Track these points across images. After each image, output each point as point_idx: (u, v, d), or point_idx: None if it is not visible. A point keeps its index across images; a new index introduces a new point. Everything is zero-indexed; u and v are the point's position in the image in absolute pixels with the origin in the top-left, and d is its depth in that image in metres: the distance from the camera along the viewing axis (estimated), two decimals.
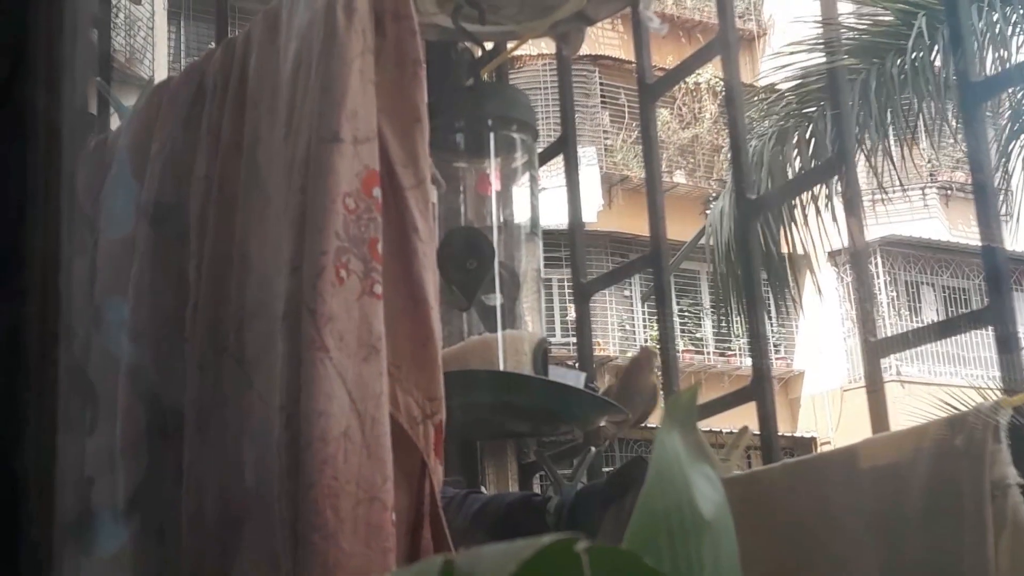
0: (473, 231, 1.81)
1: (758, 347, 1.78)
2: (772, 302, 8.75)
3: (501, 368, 1.69)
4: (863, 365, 1.63)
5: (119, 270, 1.58)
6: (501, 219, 1.83)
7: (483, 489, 2.21)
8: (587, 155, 14.29)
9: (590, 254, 13.93)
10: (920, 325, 14.64)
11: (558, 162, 2.20)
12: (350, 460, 1.27)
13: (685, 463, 0.98)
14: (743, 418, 1.76)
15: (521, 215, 1.84)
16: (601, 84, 14.84)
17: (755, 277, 1.82)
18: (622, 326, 14.27)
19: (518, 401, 1.71)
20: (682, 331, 14.98)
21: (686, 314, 15.10)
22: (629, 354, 13.40)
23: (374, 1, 1.44)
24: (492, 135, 1.83)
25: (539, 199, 1.84)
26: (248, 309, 1.45)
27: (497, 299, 1.75)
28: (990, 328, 1.45)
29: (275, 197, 1.45)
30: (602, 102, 14.87)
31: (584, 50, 14.08)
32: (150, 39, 11.53)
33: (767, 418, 1.74)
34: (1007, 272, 1.43)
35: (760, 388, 1.75)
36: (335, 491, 1.25)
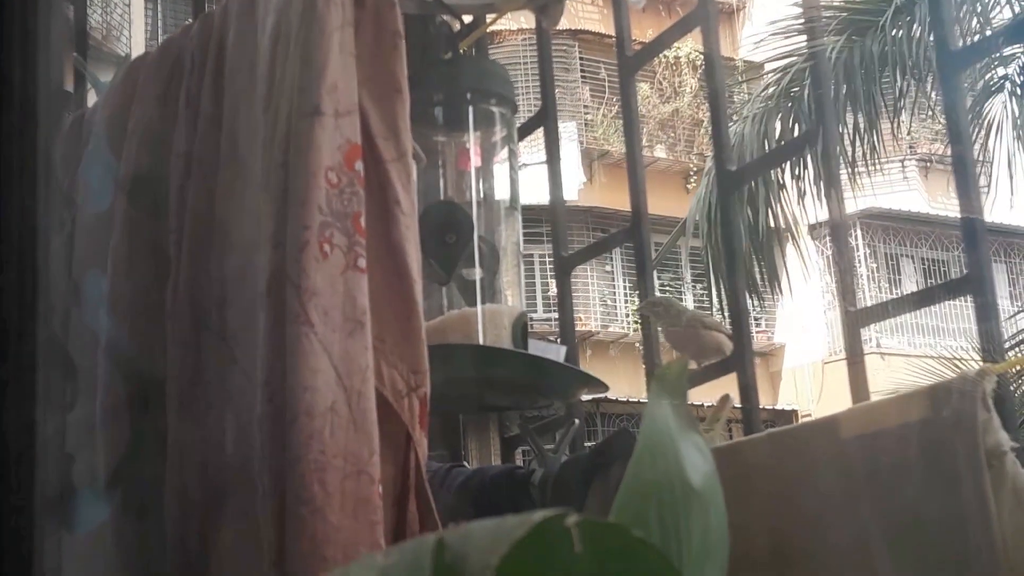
0: (452, 205, 1.80)
1: (738, 319, 1.78)
2: (756, 277, 8.79)
3: (481, 342, 1.69)
4: (843, 336, 1.64)
5: (98, 246, 1.57)
6: (480, 193, 1.82)
7: (466, 463, 2.22)
8: (567, 130, 14.27)
9: (572, 230, 13.93)
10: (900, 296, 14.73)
11: (539, 137, 2.19)
12: (336, 434, 1.27)
13: (675, 433, 0.98)
14: (724, 390, 1.76)
15: (501, 189, 1.84)
16: (581, 59, 14.81)
17: (736, 248, 1.83)
18: (603, 301, 14.30)
19: (498, 375, 1.71)
20: None
21: (667, 288, 15.13)
22: (611, 328, 13.45)
23: None
24: (471, 108, 1.82)
25: (519, 173, 1.84)
26: (230, 285, 1.44)
27: (477, 273, 1.75)
28: (968, 298, 1.46)
29: (255, 172, 1.44)
30: (582, 77, 14.84)
31: (564, 24, 14.04)
32: (127, 16, 11.44)
33: (748, 389, 1.75)
34: (985, 242, 1.44)
35: (740, 359, 1.75)
36: (322, 465, 1.25)
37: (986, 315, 1.47)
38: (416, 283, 1.39)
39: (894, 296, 14.73)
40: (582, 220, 13.81)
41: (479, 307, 1.74)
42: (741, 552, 1.25)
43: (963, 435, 1.28)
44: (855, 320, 1.66)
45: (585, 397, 1.97)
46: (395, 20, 1.45)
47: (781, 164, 5.40)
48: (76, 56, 2.05)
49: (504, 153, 1.84)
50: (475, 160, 1.81)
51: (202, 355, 1.46)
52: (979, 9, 6.70)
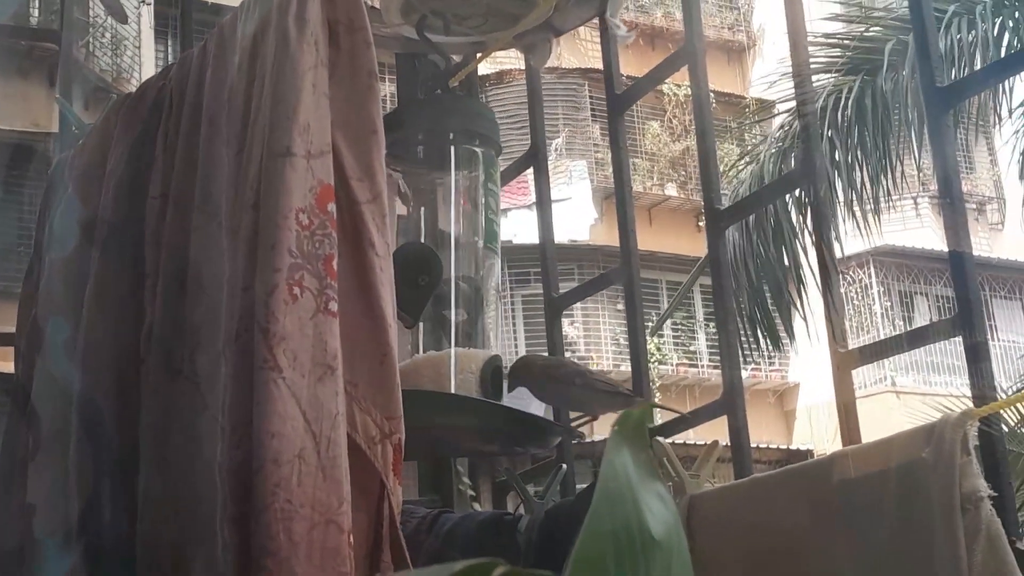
0: (423, 247, 1.78)
1: (729, 359, 1.75)
2: (768, 315, 8.74)
3: (451, 386, 1.66)
4: (833, 377, 1.60)
5: (69, 292, 1.55)
6: (462, 234, 1.80)
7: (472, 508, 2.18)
8: (578, 168, 14.28)
9: (583, 268, 13.91)
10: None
11: (553, 175, 2.17)
12: (304, 482, 1.24)
13: (635, 482, 0.95)
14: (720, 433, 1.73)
15: (481, 230, 1.81)
16: (591, 97, 14.83)
17: (725, 287, 1.80)
18: (615, 340, 14.23)
19: (461, 422, 1.68)
20: (676, 344, 14.96)
21: (680, 327, 15.07)
22: (623, 367, 13.38)
23: (327, 12, 1.41)
24: (453, 148, 1.80)
25: (499, 215, 1.81)
26: (202, 330, 1.42)
27: (453, 315, 1.72)
28: (959, 338, 1.43)
29: (228, 215, 1.42)
30: (592, 115, 14.86)
31: (573, 63, 14.13)
32: (137, 58, 11.53)
33: (739, 431, 1.71)
34: (975, 281, 1.41)
35: (732, 401, 1.72)
36: (288, 514, 1.22)
37: (976, 355, 1.44)
38: (390, 326, 1.36)
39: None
40: (592, 258, 13.78)
41: (452, 350, 1.71)
42: None
43: (940, 478, 1.26)
44: (846, 361, 1.63)
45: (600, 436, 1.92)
46: (371, 60, 1.43)
47: (770, 203, 5.37)
48: (59, 98, 2.04)
49: (486, 193, 1.81)
50: (455, 200, 1.79)
51: (175, 401, 1.43)
52: (990, 51, 6.70)
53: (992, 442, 1.37)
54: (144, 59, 11.56)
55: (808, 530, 1.45)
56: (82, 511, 1.41)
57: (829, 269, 1.60)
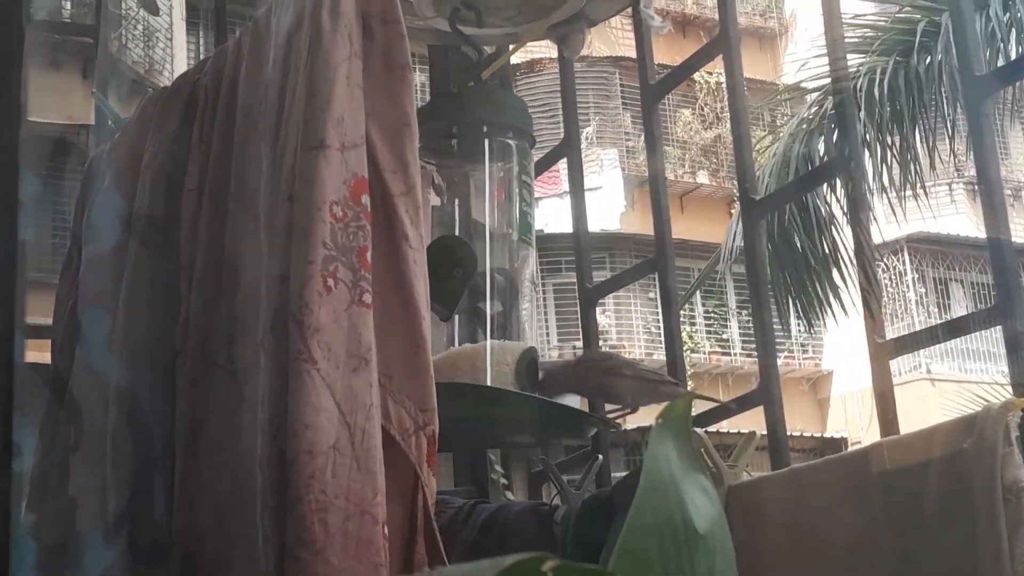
0: (457, 239, 1.77)
1: (765, 350, 1.74)
2: (800, 302, 8.69)
3: (487, 379, 1.66)
4: (871, 366, 1.59)
5: (107, 285, 1.56)
6: (496, 226, 1.79)
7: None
8: (609, 157, 14.25)
9: (615, 256, 13.89)
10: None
11: (585, 164, 2.16)
12: (339, 473, 1.25)
13: (678, 475, 0.94)
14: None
15: (516, 222, 1.81)
16: (622, 86, 14.79)
17: (760, 278, 1.79)
18: (647, 328, 14.21)
19: (496, 414, 1.68)
20: (708, 333, 14.91)
21: (712, 315, 15.02)
22: (655, 356, 13.36)
23: (361, 4, 1.41)
24: (487, 141, 1.79)
25: (534, 207, 1.81)
26: (238, 322, 1.42)
27: (488, 308, 1.72)
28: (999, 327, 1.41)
29: (264, 207, 1.42)
30: (623, 104, 14.81)
31: (604, 52, 14.09)
32: (169, 50, 11.58)
33: (775, 422, 1.70)
34: (1015, 269, 1.39)
35: (767, 392, 1.71)
36: (323, 505, 1.23)
37: (1016, 345, 1.42)
38: (424, 318, 1.36)
39: (943, 320, 14.54)
40: (626, 247, 13.75)
41: (488, 342, 1.71)
42: None
43: (982, 469, 1.25)
44: (883, 351, 1.62)
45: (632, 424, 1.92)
46: (404, 52, 1.43)
47: (806, 192, 5.34)
48: (95, 92, 2.05)
49: (520, 185, 1.81)
50: (490, 192, 1.78)
51: (212, 393, 1.44)
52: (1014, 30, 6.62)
53: None
54: (176, 51, 11.61)
55: (847, 521, 1.44)
56: (122, 504, 1.42)
57: (867, 259, 1.58)
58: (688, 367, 13.86)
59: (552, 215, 10.45)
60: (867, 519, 1.41)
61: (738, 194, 1.79)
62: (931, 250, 15.05)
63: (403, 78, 1.42)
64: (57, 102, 10.23)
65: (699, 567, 0.94)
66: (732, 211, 14.45)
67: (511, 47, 2.05)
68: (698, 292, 14.90)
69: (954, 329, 1.69)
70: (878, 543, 1.41)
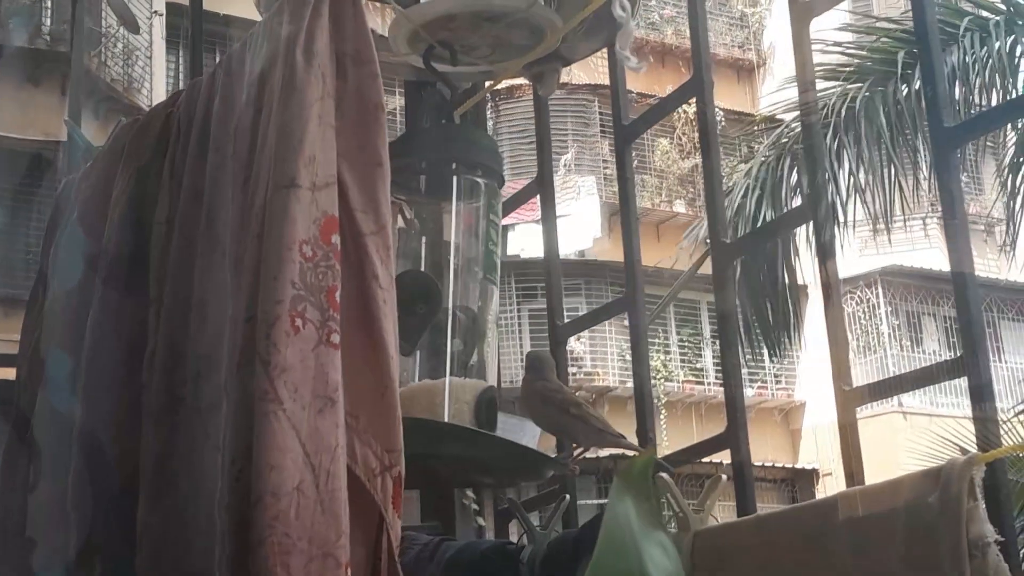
0: (423, 275, 1.78)
1: (732, 396, 1.74)
2: (772, 333, 8.70)
3: (446, 416, 1.65)
4: (837, 415, 1.60)
5: (72, 321, 1.55)
6: (462, 263, 1.80)
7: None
8: (587, 184, 14.29)
9: (591, 284, 13.90)
10: (921, 355, 14.59)
11: (562, 191, 2.16)
12: (303, 515, 1.24)
13: (637, 532, 0.95)
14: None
15: (481, 261, 1.81)
16: (600, 113, 14.84)
17: (731, 321, 1.79)
18: (622, 356, 14.22)
19: (453, 451, 1.67)
20: (682, 361, 14.94)
21: (686, 344, 15.05)
22: (628, 384, 13.35)
23: (335, 44, 1.41)
24: (456, 178, 1.80)
25: (500, 246, 1.81)
26: (204, 359, 1.42)
27: (449, 345, 1.72)
28: (964, 379, 1.42)
29: (233, 244, 1.41)
30: (602, 131, 14.87)
31: (583, 80, 14.15)
32: (149, 68, 11.56)
33: (742, 466, 1.70)
34: (981, 325, 1.40)
35: (735, 436, 1.71)
36: (286, 548, 1.22)
37: (980, 397, 1.43)
38: (392, 359, 1.36)
39: (916, 354, 14.61)
40: (601, 274, 13.77)
41: (447, 379, 1.70)
42: None
43: (947, 523, 1.25)
44: (850, 399, 1.62)
45: (604, 452, 1.91)
46: (377, 92, 1.43)
47: (776, 238, 5.38)
48: (67, 120, 2.04)
49: (487, 224, 1.81)
50: (455, 229, 1.79)
51: (177, 431, 1.42)
52: (1002, 68, 6.65)
53: (996, 486, 1.36)
54: (155, 70, 11.59)
55: (814, 568, 1.44)
56: (82, 545, 1.41)
57: (832, 306, 1.59)
58: (662, 396, 13.92)
59: (528, 241, 10.46)
60: (834, 568, 1.42)
61: (708, 238, 1.79)
62: (904, 283, 15.15)
63: (376, 118, 1.42)
64: (34, 118, 10.19)
65: None
66: (708, 241, 14.51)
67: (486, 85, 2.05)
68: (672, 320, 14.93)
69: (919, 379, 1.70)
70: None
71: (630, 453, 1.76)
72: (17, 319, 1.68)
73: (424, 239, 1.83)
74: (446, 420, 1.66)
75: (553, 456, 1.81)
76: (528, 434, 1.74)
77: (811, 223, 1.63)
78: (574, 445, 1.82)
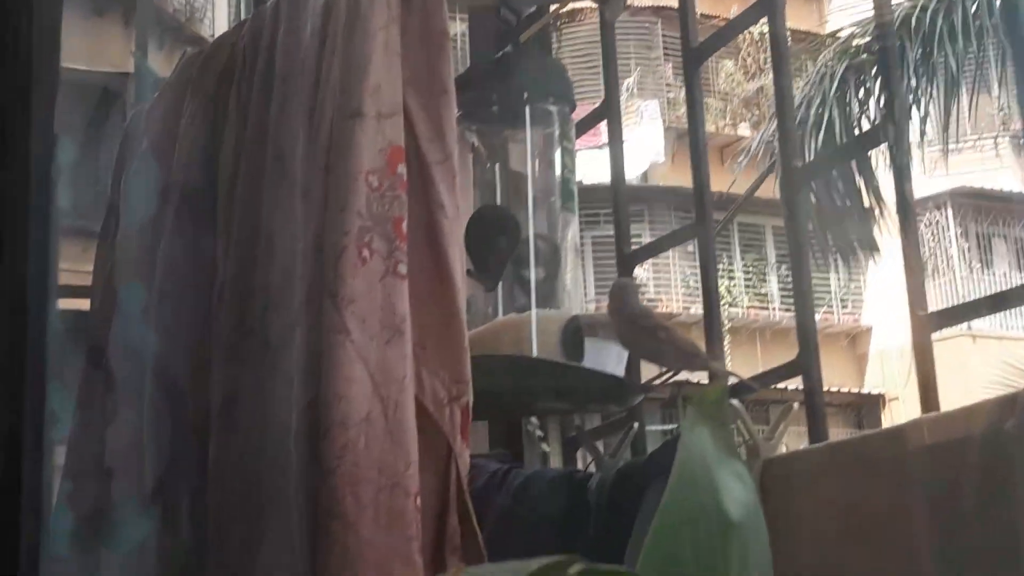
0: (500, 209, 1.76)
1: (804, 322, 1.71)
2: (840, 255, 8.60)
3: (533, 350, 1.65)
4: (912, 340, 1.57)
5: (143, 253, 1.56)
6: (539, 192, 1.78)
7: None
8: (650, 109, 14.12)
9: (654, 210, 13.78)
10: (991, 278, 14.36)
11: (624, 116, 2.12)
12: (372, 446, 1.25)
13: (712, 463, 0.93)
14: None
15: (558, 189, 1.79)
16: (664, 36, 14.62)
17: (803, 246, 1.76)
18: (686, 282, 14.14)
19: (539, 385, 1.67)
20: (747, 287, 14.82)
21: (750, 269, 14.92)
22: (692, 310, 13.31)
23: None
24: (528, 107, 1.77)
25: (575, 173, 1.79)
26: (273, 291, 1.42)
27: (532, 276, 1.71)
28: None
29: (300, 176, 1.41)
30: (665, 54, 14.65)
31: (646, 1, 13.90)
32: None
33: (813, 393, 1.68)
34: None
35: (806, 361, 1.69)
36: (356, 477, 1.23)
37: None
38: (459, 289, 1.36)
39: (986, 277, 14.39)
40: (665, 200, 13.66)
41: (532, 312, 1.69)
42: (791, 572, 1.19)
43: (1022, 449, 1.23)
44: (925, 324, 1.59)
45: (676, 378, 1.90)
46: (442, 19, 1.41)
47: (848, 160, 5.27)
48: (135, 52, 2.05)
49: (561, 151, 1.79)
50: (531, 159, 1.77)
51: (246, 362, 1.43)
52: None
53: None
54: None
55: (885, 497, 1.43)
56: (158, 475, 1.43)
57: (909, 231, 1.56)
58: (726, 322, 13.82)
59: (591, 167, 10.40)
60: (905, 495, 1.40)
61: (779, 161, 1.75)
62: (974, 205, 14.86)
63: (441, 45, 1.40)
64: (99, 50, 10.24)
65: (732, 556, 0.93)
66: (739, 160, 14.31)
67: (551, 9, 2.02)
68: (737, 245, 14.80)
69: (996, 303, 1.66)
70: (916, 520, 1.39)
71: (704, 381, 1.74)
72: (89, 251, 1.70)
73: (498, 169, 1.82)
74: (534, 354, 1.66)
75: (639, 383, 1.81)
76: (613, 358, 1.73)
77: (887, 147, 1.59)
78: (663, 369, 1.81)
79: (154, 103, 1.78)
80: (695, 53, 1.94)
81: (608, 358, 1.73)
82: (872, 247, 8.00)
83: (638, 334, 1.74)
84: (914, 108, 7.27)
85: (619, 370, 1.77)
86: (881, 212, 7.68)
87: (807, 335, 1.70)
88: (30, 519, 0.88)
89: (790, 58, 1.75)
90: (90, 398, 1.55)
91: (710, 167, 1.92)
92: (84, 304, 1.68)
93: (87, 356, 1.57)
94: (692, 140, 1.92)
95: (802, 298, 1.75)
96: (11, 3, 0.96)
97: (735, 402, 1.57)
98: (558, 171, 1.78)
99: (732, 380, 1.69)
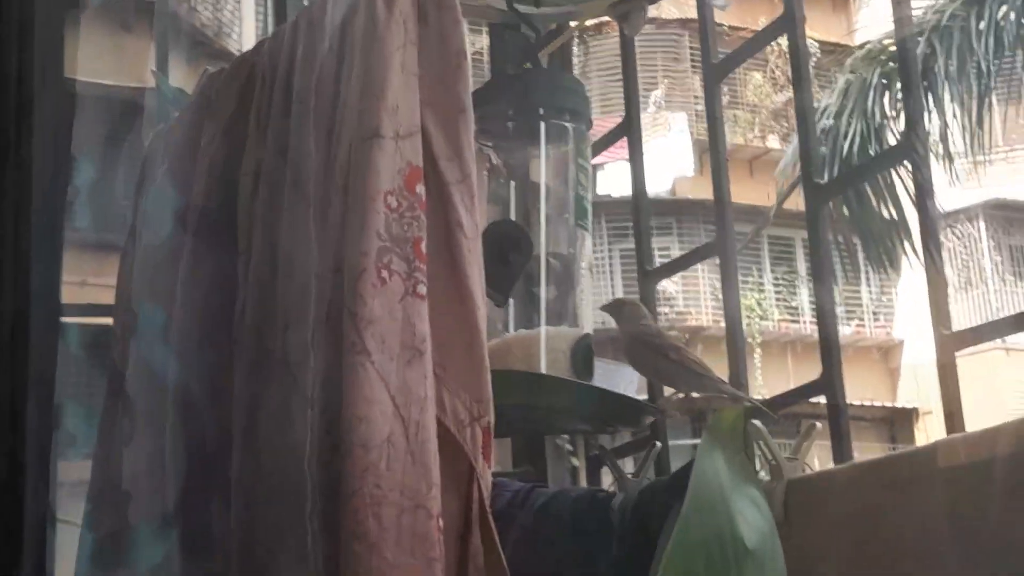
0: (513, 224, 1.76)
1: (828, 340, 1.70)
2: (870, 268, 8.54)
3: (543, 367, 1.64)
4: (937, 359, 1.55)
5: (162, 275, 1.57)
6: (552, 210, 1.78)
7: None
8: (677, 121, 14.10)
9: (683, 222, 13.75)
10: None
11: (652, 129, 2.12)
12: (393, 467, 1.24)
13: (727, 488, 0.93)
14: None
15: (572, 207, 1.79)
16: (691, 48, 14.60)
17: (825, 264, 1.75)
18: (715, 295, 14.09)
19: (550, 402, 1.66)
20: (777, 300, 14.76)
21: (781, 282, 14.86)
22: (722, 323, 13.25)
23: None
24: (543, 123, 1.77)
25: (589, 191, 1.79)
26: (293, 311, 1.42)
27: (542, 293, 1.70)
28: None
29: (319, 197, 1.41)
30: (692, 66, 14.63)
31: (673, 14, 13.91)
32: (237, 12, 11.61)
33: (838, 411, 1.67)
34: None
35: (830, 380, 1.68)
36: (377, 499, 1.22)
37: None
38: (479, 308, 1.35)
39: (1019, 290, 14.26)
40: (692, 213, 13.62)
41: (543, 328, 1.69)
42: None
43: None
44: (949, 344, 1.57)
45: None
46: (460, 38, 1.41)
47: (871, 177, 5.24)
48: (154, 71, 2.06)
49: (576, 168, 1.79)
50: (546, 176, 1.77)
51: (267, 383, 1.43)
52: None
53: None
54: (244, 14, 11.64)
55: (910, 518, 1.41)
56: (177, 498, 1.43)
57: (932, 250, 1.54)
58: (757, 335, 13.76)
59: (619, 180, 10.37)
60: (931, 517, 1.39)
61: (801, 179, 1.75)
62: (1008, 217, 14.74)
63: (458, 65, 1.40)
64: (127, 65, 10.30)
65: None
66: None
67: (571, 26, 2.02)
68: (767, 258, 14.74)
69: (1020, 322, 1.65)
70: (943, 541, 1.38)
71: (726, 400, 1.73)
72: (111, 265, 1.70)
73: (513, 185, 1.82)
74: (543, 371, 1.66)
75: (649, 403, 1.80)
76: (625, 379, 1.72)
77: (912, 165, 1.57)
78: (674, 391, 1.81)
79: (175, 123, 1.79)
80: (716, 69, 1.93)
81: (623, 378, 1.72)
82: (894, 263, 7.94)
83: (647, 354, 1.73)
84: (946, 118, 7.22)
85: (631, 390, 1.77)
86: (908, 227, 7.63)
87: (831, 353, 1.69)
88: (32, 538, 0.88)
89: (810, 75, 1.74)
90: (112, 418, 1.55)
91: (740, 179, 1.91)
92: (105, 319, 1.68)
93: (109, 376, 1.57)
94: (712, 156, 1.91)
95: (825, 317, 1.74)
96: (9, 14, 0.96)
97: (757, 423, 1.56)
98: (572, 188, 1.78)
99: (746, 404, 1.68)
